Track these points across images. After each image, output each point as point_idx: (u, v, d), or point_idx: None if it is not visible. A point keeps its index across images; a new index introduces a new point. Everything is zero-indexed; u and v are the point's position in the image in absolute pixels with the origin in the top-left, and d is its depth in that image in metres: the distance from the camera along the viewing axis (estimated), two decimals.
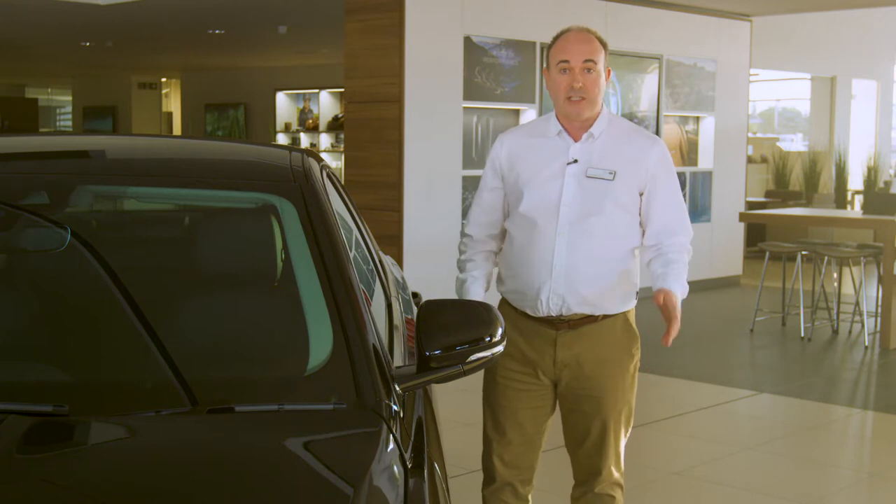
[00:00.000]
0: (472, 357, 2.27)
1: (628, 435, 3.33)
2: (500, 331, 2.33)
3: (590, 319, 3.19)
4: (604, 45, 3.23)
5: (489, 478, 3.32)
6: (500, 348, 2.33)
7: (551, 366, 3.21)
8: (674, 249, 3.27)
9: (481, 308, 2.39)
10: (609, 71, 3.25)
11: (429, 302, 2.36)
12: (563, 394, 3.26)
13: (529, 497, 3.37)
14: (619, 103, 9.83)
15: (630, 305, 3.29)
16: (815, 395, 6.59)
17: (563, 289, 3.16)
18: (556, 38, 3.24)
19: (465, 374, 2.29)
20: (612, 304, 3.22)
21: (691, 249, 3.31)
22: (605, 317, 3.21)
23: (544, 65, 3.32)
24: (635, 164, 3.20)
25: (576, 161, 3.20)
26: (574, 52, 3.16)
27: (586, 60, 3.15)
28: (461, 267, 3.37)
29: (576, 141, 3.22)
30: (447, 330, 2.26)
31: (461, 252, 3.39)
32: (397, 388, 2.16)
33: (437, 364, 2.24)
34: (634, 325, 3.31)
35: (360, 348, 2.14)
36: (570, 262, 3.16)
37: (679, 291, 3.17)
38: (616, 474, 3.28)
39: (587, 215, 3.16)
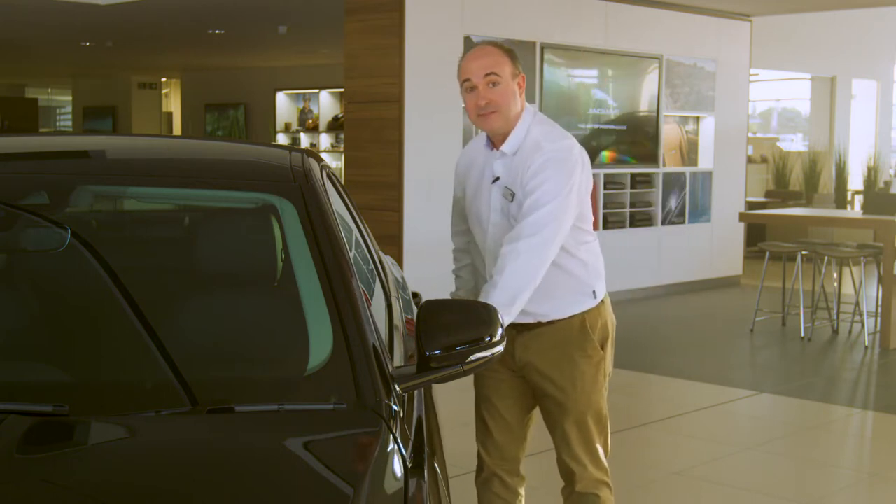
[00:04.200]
0: (473, 357, 2.27)
1: (607, 437, 3.32)
2: (499, 331, 2.33)
3: (544, 323, 3.21)
4: (509, 53, 3.17)
5: (478, 466, 3.40)
6: (499, 348, 2.32)
7: (513, 362, 3.27)
8: (506, 259, 3.05)
9: (481, 308, 2.39)
10: (523, 78, 3.19)
11: (429, 302, 2.36)
12: (532, 391, 3.30)
13: (521, 490, 3.39)
14: (611, 103, 9.83)
15: (584, 307, 3.22)
16: (815, 395, 6.59)
17: None
18: (460, 60, 3.22)
19: (465, 373, 2.29)
20: (557, 310, 3.20)
21: (541, 256, 3.03)
22: (560, 320, 3.20)
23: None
24: (523, 178, 3.12)
25: (497, 179, 3.20)
26: (473, 70, 3.14)
27: (487, 74, 3.11)
28: (455, 280, 3.51)
29: (496, 158, 3.23)
30: (447, 330, 2.26)
31: (453, 262, 3.53)
32: (397, 388, 2.17)
33: (437, 364, 2.23)
34: (598, 326, 3.24)
35: (360, 348, 2.14)
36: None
37: None
38: (597, 473, 3.28)
39: (504, 232, 3.16)
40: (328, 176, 2.83)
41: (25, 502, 1.71)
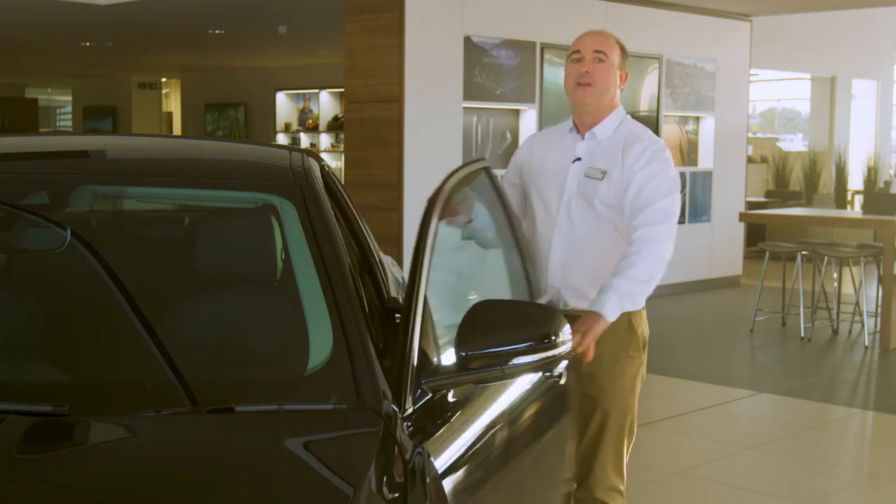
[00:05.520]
0: (516, 361, 2.17)
1: (631, 443, 3.32)
2: (556, 334, 2.21)
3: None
4: (622, 48, 3.32)
5: None
6: (549, 353, 2.20)
7: None
8: (642, 242, 3.12)
9: (535, 309, 2.30)
10: (626, 75, 3.33)
11: (483, 301, 2.29)
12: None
13: None
14: None
15: (634, 307, 3.26)
16: (815, 395, 6.59)
17: (558, 282, 3.24)
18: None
19: (505, 377, 2.21)
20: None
21: (670, 242, 3.16)
22: None
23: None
24: (624, 162, 3.22)
25: (579, 159, 3.25)
26: (586, 43, 3.28)
27: (596, 51, 3.25)
28: None
29: (583, 139, 3.29)
30: (493, 330, 2.18)
31: None
32: (424, 387, 2.13)
33: (475, 365, 2.16)
34: (640, 329, 3.30)
35: (360, 348, 2.14)
36: (565, 257, 3.24)
37: (611, 314, 3.09)
38: (614, 479, 3.27)
39: (583, 213, 3.22)
40: (328, 175, 2.83)
41: (25, 502, 1.71)
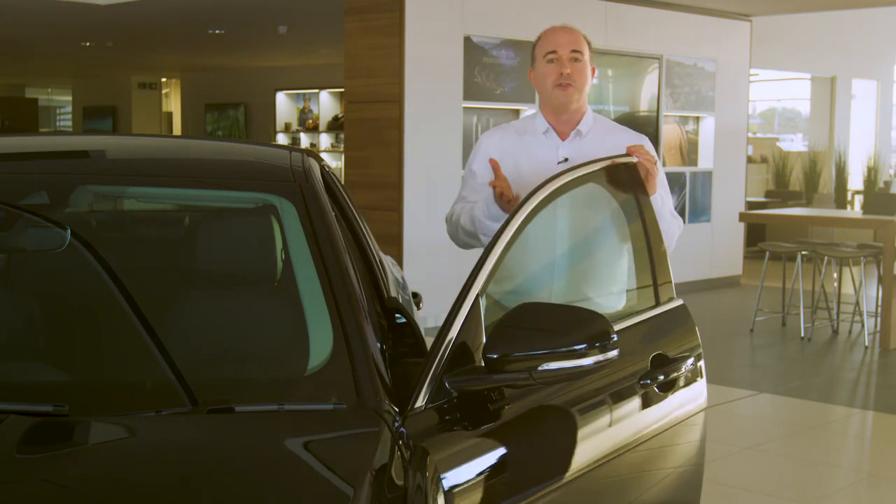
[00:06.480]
0: (545, 367, 2.08)
1: None
2: (603, 341, 2.11)
3: None
4: (588, 43, 3.35)
5: None
6: (589, 360, 2.10)
7: None
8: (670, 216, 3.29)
9: (581, 314, 2.21)
10: (594, 69, 3.35)
11: (526, 303, 2.23)
12: None
13: None
14: (611, 103, 9.84)
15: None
16: (815, 395, 6.59)
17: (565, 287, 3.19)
18: (541, 35, 3.38)
19: (535, 383, 2.14)
20: (615, 303, 3.22)
21: (680, 228, 3.36)
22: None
23: (530, 65, 3.39)
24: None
25: (566, 160, 3.21)
26: (561, 43, 3.29)
27: (573, 50, 3.27)
28: (457, 209, 3.37)
29: (563, 139, 3.25)
30: (527, 333, 2.11)
31: (452, 213, 3.39)
32: (448, 387, 2.11)
33: (502, 367, 2.11)
34: None
35: (360, 348, 2.14)
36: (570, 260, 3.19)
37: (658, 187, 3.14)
38: None
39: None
40: (328, 175, 2.83)
41: (25, 502, 1.71)
